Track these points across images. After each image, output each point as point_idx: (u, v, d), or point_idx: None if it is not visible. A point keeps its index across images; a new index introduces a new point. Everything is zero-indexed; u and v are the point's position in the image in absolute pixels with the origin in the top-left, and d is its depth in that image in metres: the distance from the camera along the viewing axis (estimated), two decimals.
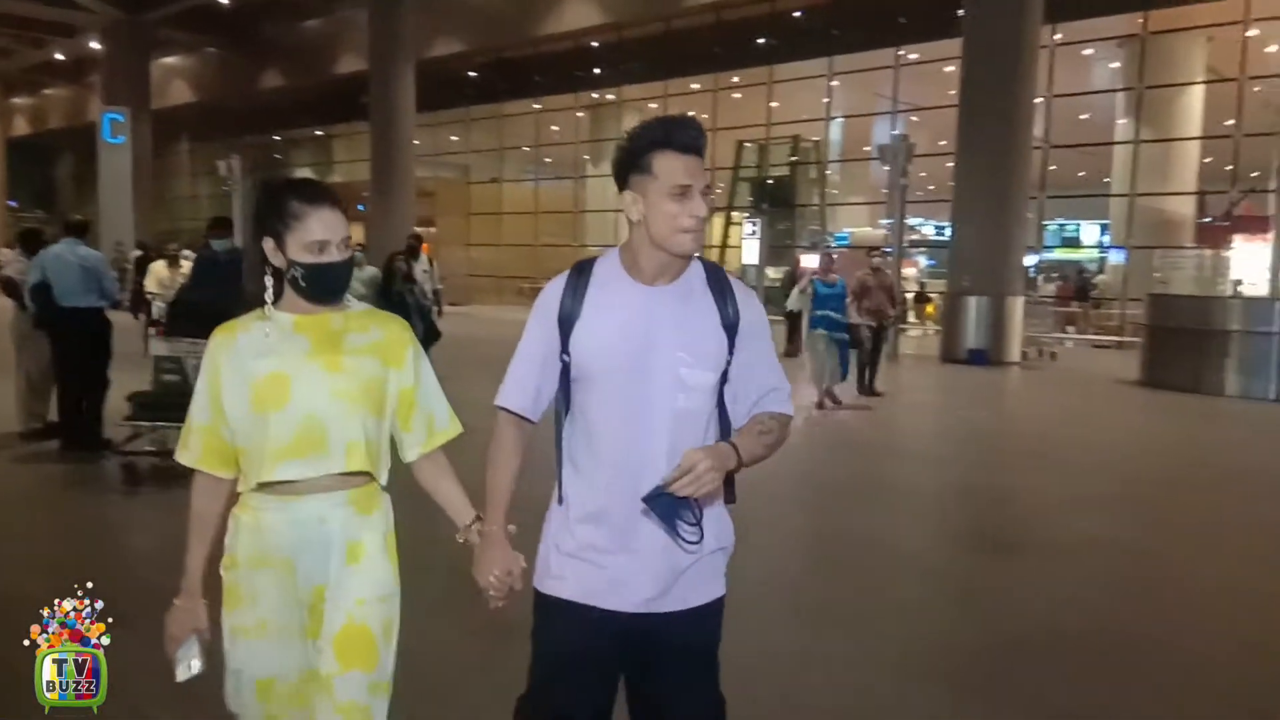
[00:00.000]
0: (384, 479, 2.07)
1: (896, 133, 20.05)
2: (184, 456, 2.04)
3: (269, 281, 2.00)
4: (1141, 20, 19.25)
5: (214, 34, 34.70)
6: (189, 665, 1.98)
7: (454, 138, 33.23)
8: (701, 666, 2.01)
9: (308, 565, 1.96)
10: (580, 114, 29.50)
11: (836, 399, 10.45)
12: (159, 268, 11.29)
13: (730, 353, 1.95)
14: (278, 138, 38.88)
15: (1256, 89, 18.74)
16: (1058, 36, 19.85)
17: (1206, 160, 19.94)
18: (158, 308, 10.13)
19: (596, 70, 27.79)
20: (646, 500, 1.79)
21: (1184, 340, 12.62)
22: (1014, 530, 6.16)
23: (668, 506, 1.78)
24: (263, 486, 1.95)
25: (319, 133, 37.67)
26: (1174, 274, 17.18)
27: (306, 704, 1.99)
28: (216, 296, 7.06)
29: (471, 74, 30.15)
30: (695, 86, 26.54)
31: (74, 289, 7.22)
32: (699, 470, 1.74)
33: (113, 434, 7.13)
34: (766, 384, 2.00)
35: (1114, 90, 20.89)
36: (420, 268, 11.09)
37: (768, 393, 2.00)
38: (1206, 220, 19.08)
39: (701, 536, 1.85)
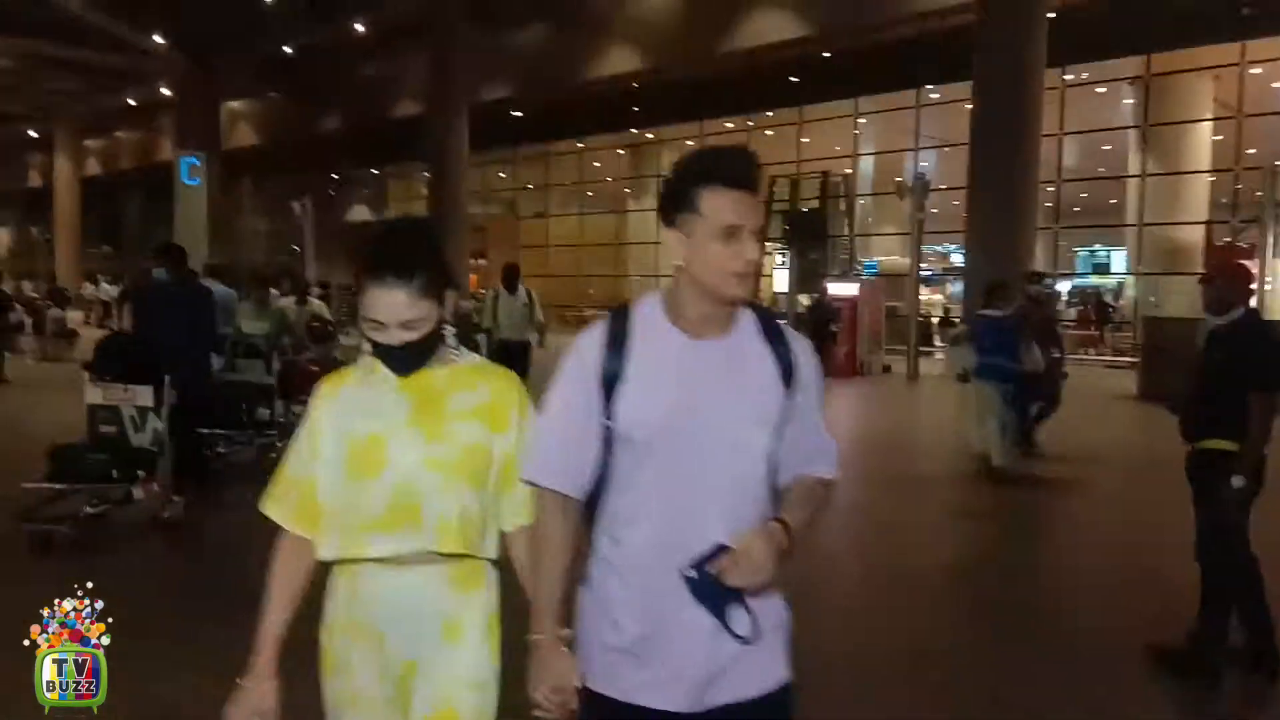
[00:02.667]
0: (489, 553, 1.91)
1: (920, 167, 21.42)
2: (273, 511, 1.91)
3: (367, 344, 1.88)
4: (1145, 62, 20.46)
5: (277, 80, 36.93)
6: None
7: (502, 175, 35.08)
8: None
9: (398, 639, 1.84)
10: (621, 152, 31.21)
11: (1014, 473, 8.26)
12: (286, 305, 10.30)
13: (784, 408, 1.76)
14: (335, 176, 41.03)
15: None
16: (1068, 77, 21.12)
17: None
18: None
19: (636, 110, 29.42)
20: (688, 577, 1.64)
21: (1175, 358, 13.78)
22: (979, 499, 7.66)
23: (714, 590, 1.63)
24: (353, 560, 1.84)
25: (374, 172, 39.78)
26: (1170, 298, 18.28)
27: None
28: (156, 334, 6.54)
29: (518, 114, 31.92)
30: (729, 125, 28.06)
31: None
32: (755, 559, 1.60)
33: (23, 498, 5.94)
34: (815, 444, 1.83)
35: (1117, 129, 22.08)
36: (519, 301, 9.71)
37: (816, 454, 1.84)
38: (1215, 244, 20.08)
39: (754, 629, 1.68)
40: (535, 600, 1.82)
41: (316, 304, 10.51)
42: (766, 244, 25.40)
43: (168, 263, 6.84)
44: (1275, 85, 20.79)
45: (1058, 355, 9.48)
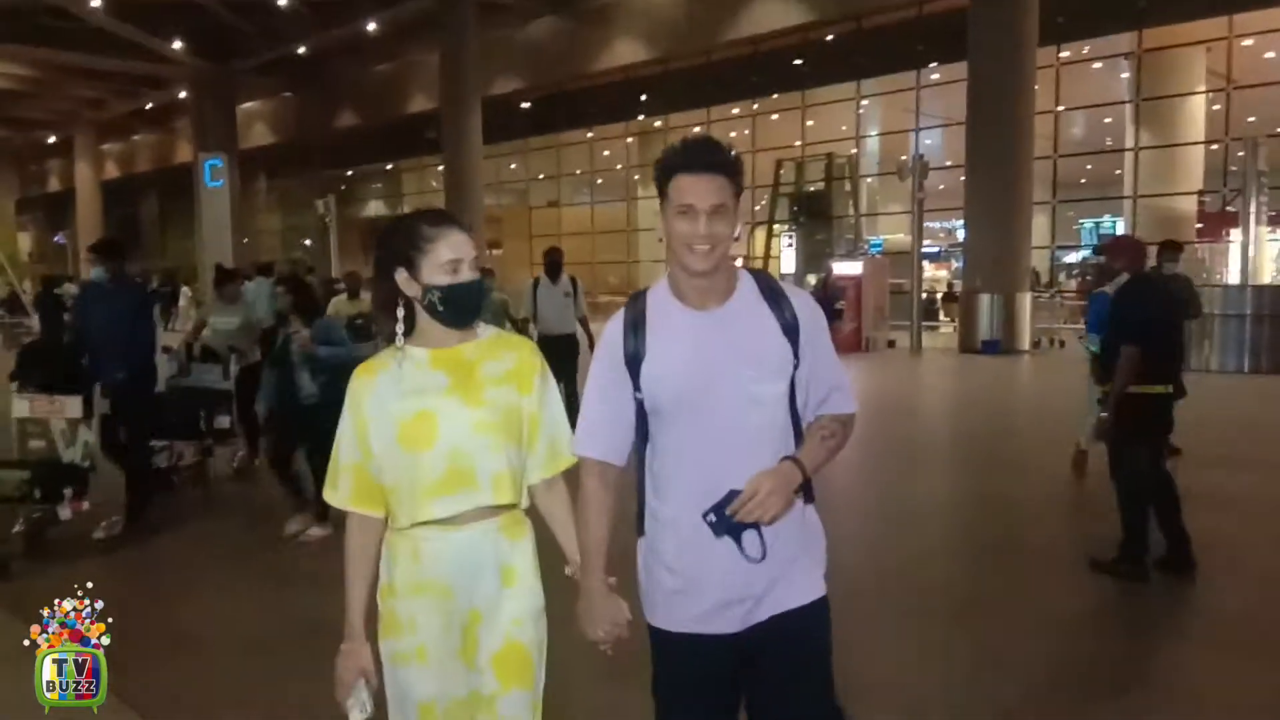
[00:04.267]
0: (525, 503, 2.15)
1: (924, 146, 22.05)
2: (333, 497, 2.10)
3: (400, 314, 2.05)
4: (1137, 37, 21.02)
5: (292, 80, 37.75)
6: (360, 709, 2.04)
7: (514, 166, 35.84)
8: (808, 667, 2.04)
9: (464, 590, 2.03)
10: (630, 140, 31.90)
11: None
12: (340, 302, 9.91)
13: (796, 357, 1.97)
14: (350, 173, 41.88)
15: None
16: (1064, 54, 21.70)
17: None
18: None
19: (644, 99, 30.09)
20: (708, 521, 1.89)
21: None
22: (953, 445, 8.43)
23: (731, 526, 1.89)
24: (418, 524, 2.01)
25: (389, 167, 40.62)
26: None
27: None
28: (90, 337, 6.04)
29: (527, 105, 32.57)
30: (735, 111, 28.73)
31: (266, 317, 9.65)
32: (760, 496, 1.83)
33: None
34: (828, 383, 2.03)
35: (1111, 104, 22.66)
36: (561, 290, 8.66)
37: (830, 393, 2.03)
38: (1205, 219, 20.66)
39: (764, 552, 1.92)
40: (584, 553, 2.07)
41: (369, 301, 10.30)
42: (775, 227, 26.10)
43: (104, 260, 6.16)
44: (1267, 56, 21.31)
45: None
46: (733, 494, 1.87)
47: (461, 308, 2.04)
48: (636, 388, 1.97)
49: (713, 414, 1.93)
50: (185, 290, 30.07)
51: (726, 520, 1.87)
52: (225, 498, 7.33)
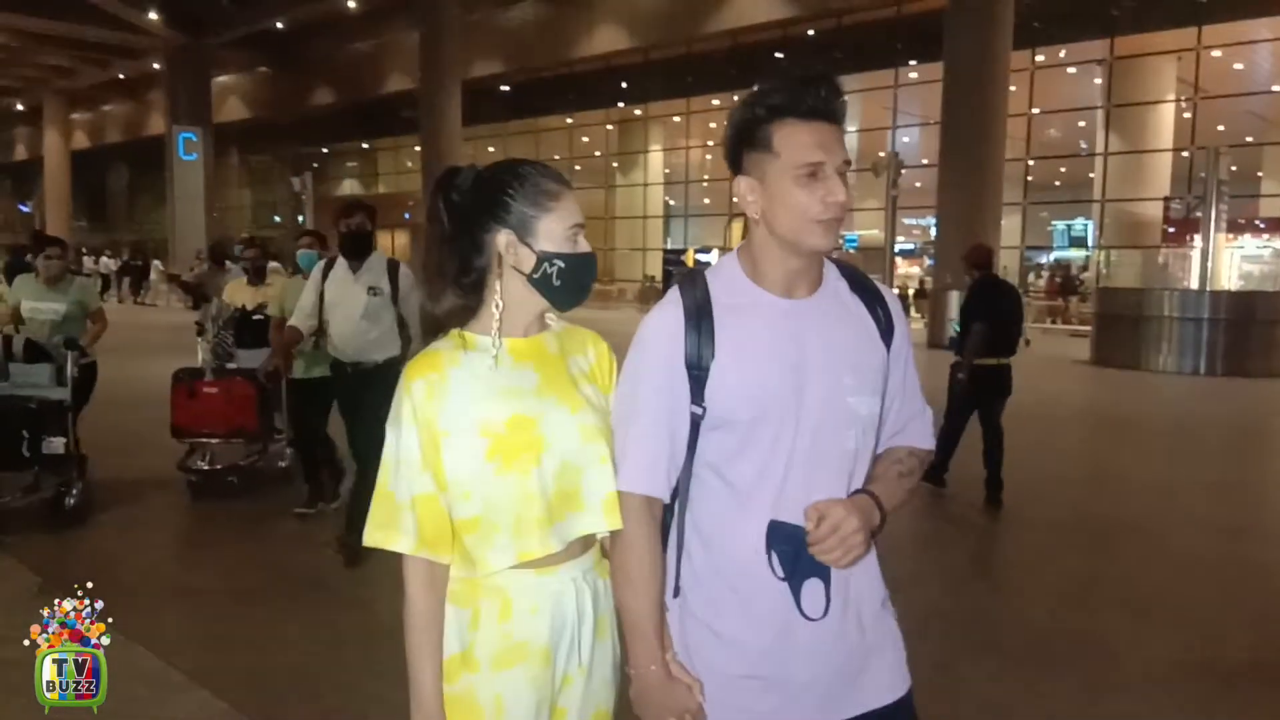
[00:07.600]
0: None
1: (902, 143, 22.33)
2: (400, 543, 1.52)
3: (498, 290, 1.56)
4: (1108, 45, 21.46)
5: (268, 54, 37.40)
6: None
7: (491, 149, 35.79)
8: None
9: (564, 651, 1.58)
10: (609, 127, 31.98)
11: None
12: (237, 287, 7.13)
13: (887, 368, 1.56)
14: (325, 150, 41.60)
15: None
16: (1040, 58, 22.10)
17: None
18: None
19: (624, 86, 30.20)
20: (776, 549, 1.45)
21: (1126, 325, 14.91)
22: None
23: (797, 561, 1.45)
24: (511, 568, 1.53)
25: (364, 146, 40.39)
26: (1123, 270, 19.38)
27: None
28: None
29: (506, 89, 32.59)
30: (715, 103, 28.91)
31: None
32: (845, 532, 1.39)
33: None
34: (910, 409, 1.63)
35: (1081, 109, 23.14)
36: (363, 284, 5.20)
37: (910, 420, 1.63)
38: (1171, 224, 21.16)
39: (828, 608, 1.46)
40: (637, 624, 1.52)
41: (279, 283, 6.58)
42: None
43: None
44: (1235, 67, 21.83)
45: None
46: (801, 531, 1.44)
47: (579, 286, 1.59)
48: (697, 400, 1.49)
49: (802, 430, 1.48)
50: (156, 264, 29.77)
51: (801, 561, 1.44)
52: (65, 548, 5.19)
